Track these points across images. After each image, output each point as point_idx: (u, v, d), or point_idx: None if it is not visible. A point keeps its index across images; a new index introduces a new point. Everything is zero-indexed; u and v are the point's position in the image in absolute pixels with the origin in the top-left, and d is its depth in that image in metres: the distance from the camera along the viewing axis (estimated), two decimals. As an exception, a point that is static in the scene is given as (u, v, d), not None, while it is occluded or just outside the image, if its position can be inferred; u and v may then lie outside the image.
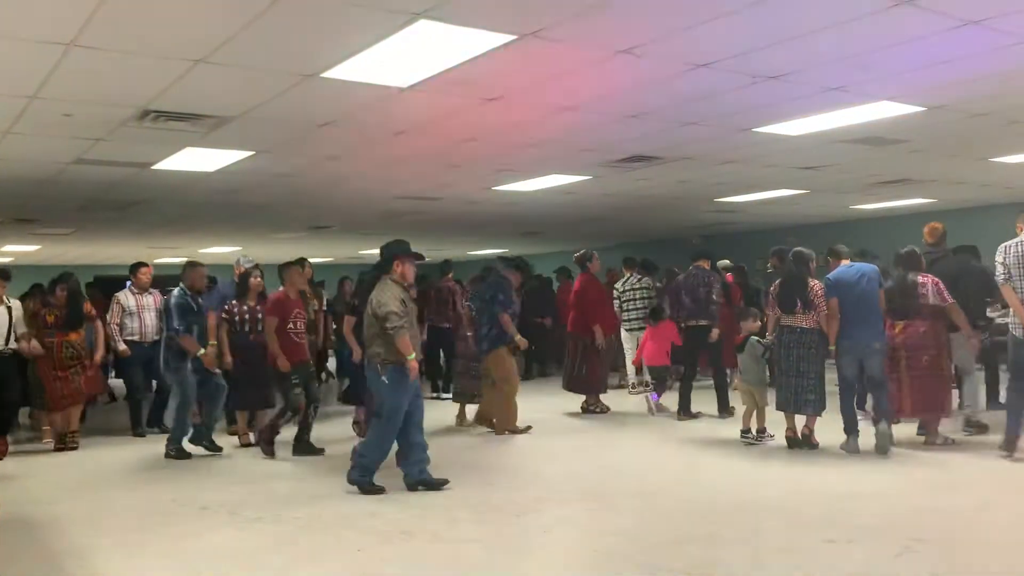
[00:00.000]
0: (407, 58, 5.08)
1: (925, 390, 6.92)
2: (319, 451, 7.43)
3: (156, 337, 8.67)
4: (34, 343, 7.76)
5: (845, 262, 7.23)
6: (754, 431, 7.48)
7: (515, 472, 6.59)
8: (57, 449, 7.96)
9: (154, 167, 8.27)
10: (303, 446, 7.42)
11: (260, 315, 7.78)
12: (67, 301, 8.13)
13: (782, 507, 5.36)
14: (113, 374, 11.68)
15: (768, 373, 7.70)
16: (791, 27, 4.79)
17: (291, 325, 7.35)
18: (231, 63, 5.04)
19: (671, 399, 9.33)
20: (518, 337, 8.39)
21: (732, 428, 8.20)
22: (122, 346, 8.79)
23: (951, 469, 6.29)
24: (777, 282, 7.30)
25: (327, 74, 5.32)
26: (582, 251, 9.70)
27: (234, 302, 7.94)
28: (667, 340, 9.50)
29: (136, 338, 8.83)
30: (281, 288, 7.54)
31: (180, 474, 6.94)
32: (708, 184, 10.80)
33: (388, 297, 5.84)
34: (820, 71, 5.70)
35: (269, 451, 7.30)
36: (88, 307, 8.42)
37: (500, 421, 8.30)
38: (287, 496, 5.99)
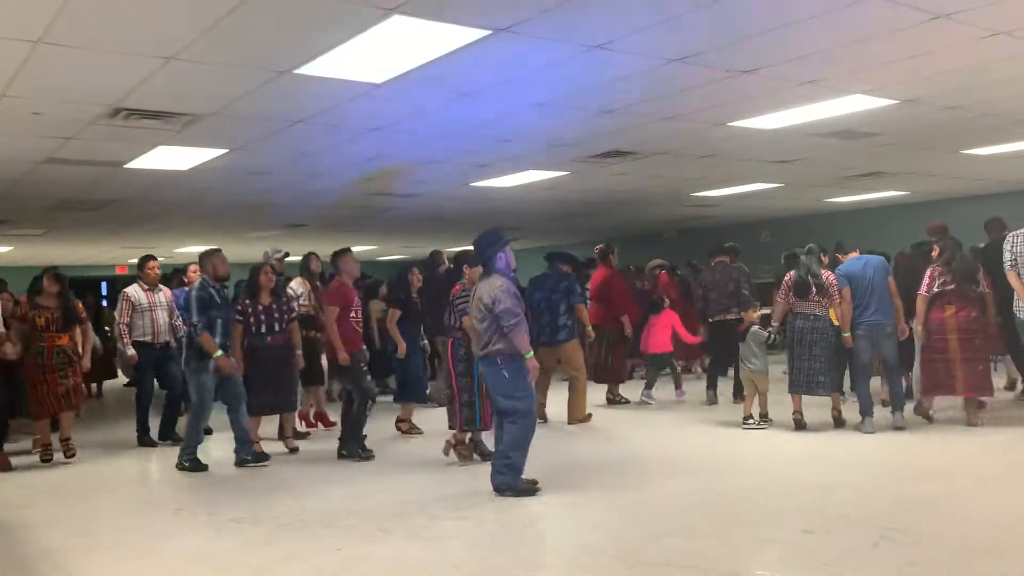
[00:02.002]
0: (381, 54, 5.06)
1: (976, 372, 7.30)
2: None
3: (167, 338, 8.11)
4: (8, 346, 7.08)
5: (853, 255, 7.71)
6: (756, 416, 7.74)
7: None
8: (44, 460, 7.26)
9: (127, 166, 8.19)
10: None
11: (277, 314, 7.36)
12: (58, 300, 7.34)
13: (761, 498, 5.40)
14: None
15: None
16: (764, 21, 4.82)
17: (352, 314, 7.10)
18: (202, 60, 5.00)
19: (667, 390, 9.74)
20: (589, 327, 8.67)
21: (716, 419, 8.27)
22: (131, 351, 7.90)
23: (927, 459, 6.36)
24: (791, 273, 7.62)
25: (300, 70, 5.29)
26: (603, 244, 9.86)
27: (246, 300, 7.35)
28: (669, 329, 9.70)
29: (148, 339, 8.00)
30: (337, 277, 7.28)
31: (157, 476, 6.89)
32: (684, 178, 10.85)
33: (502, 292, 5.58)
34: (793, 65, 5.73)
35: (367, 454, 6.94)
36: (81, 308, 7.64)
37: (573, 411, 8.43)
38: (266, 496, 5.95)
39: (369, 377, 7.33)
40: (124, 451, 7.90)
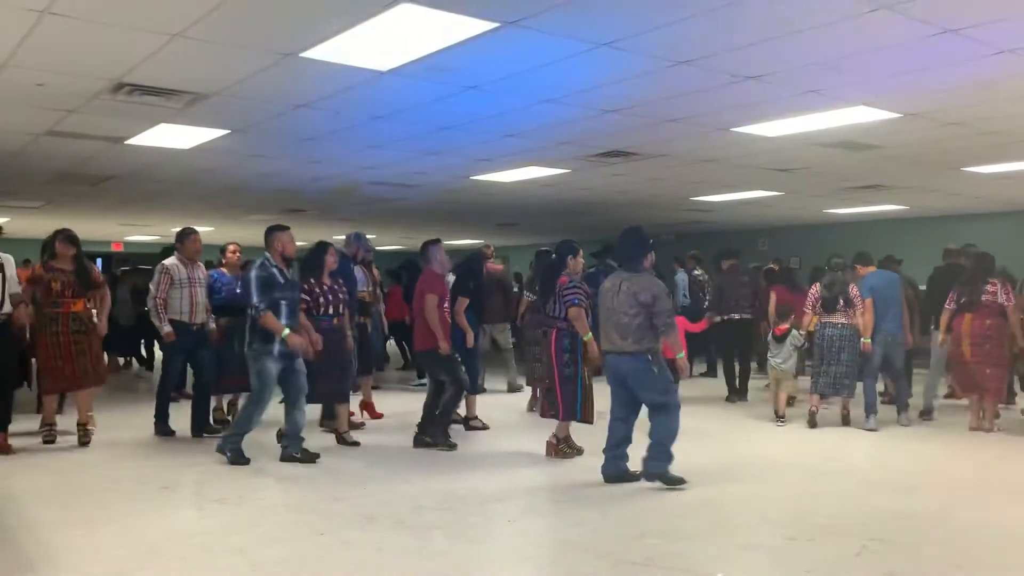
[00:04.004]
0: (388, 42, 5.05)
1: (984, 376, 7.91)
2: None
3: (204, 319, 7.54)
4: (22, 308, 6.67)
5: (871, 268, 8.53)
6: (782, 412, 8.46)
7: (485, 461, 6.59)
8: (46, 441, 6.93)
9: (128, 142, 8.16)
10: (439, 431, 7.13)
11: (341, 295, 7.07)
12: (73, 263, 6.91)
13: (747, 504, 5.40)
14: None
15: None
16: (771, 28, 4.81)
17: (445, 304, 7.11)
18: (209, 38, 4.98)
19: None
20: None
21: (710, 421, 8.29)
22: (167, 327, 7.25)
23: (912, 472, 6.38)
24: (818, 285, 8.32)
25: (306, 54, 5.27)
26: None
27: (311, 280, 6.96)
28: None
29: (184, 318, 7.36)
30: (428, 267, 7.19)
31: (144, 453, 6.86)
32: (685, 182, 10.85)
33: (662, 291, 5.77)
34: (798, 73, 5.73)
35: (450, 443, 6.92)
36: (97, 273, 7.17)
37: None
38: (252, 478, 5.95)
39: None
40: (113, 428, 7.86)
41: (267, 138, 8.06)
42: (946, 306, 8.18)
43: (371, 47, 5.15)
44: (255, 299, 6.21)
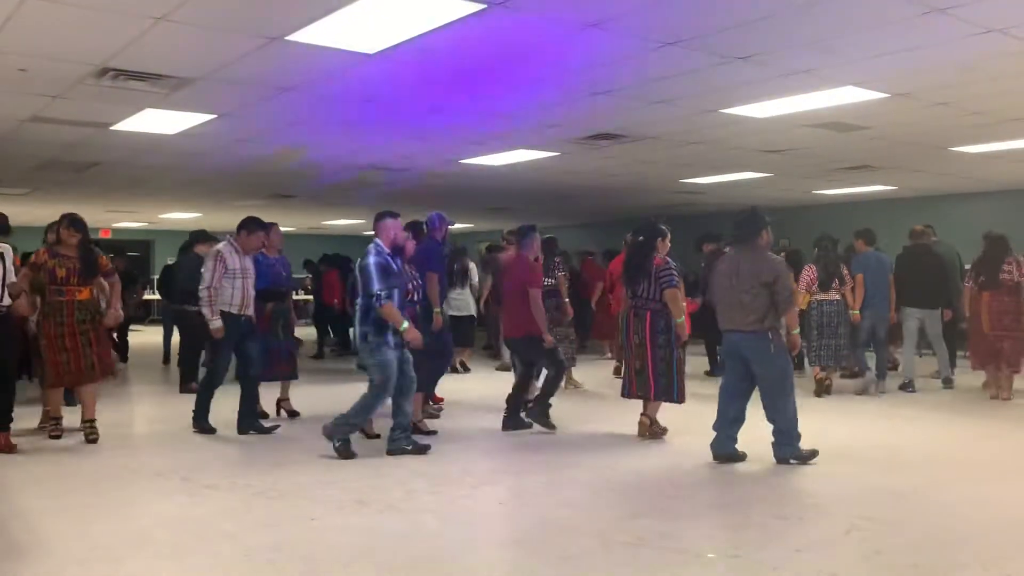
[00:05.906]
0: (375, 24, 5.02)
1: (1000, 347, 8.56)
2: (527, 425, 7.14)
3: (250, 312, 7.01)
4: (22, 299, 6.33)
5: (868, 248, 9.19)
6: None
7: (476, 443, 6.60)
8: (52, 437, 6.63)
9: (113, 128, 8.11)
10: (542, 414, 7.12)
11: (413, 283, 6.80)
12: (79, 247, 6.53)
13: (738, 483, 5.44)
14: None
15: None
16: (759, 8, 4.80)
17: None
18: (194, 22, 4.94)
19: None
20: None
21: (697, 402, 8.31)
22: (218, 322, 6.75)
23: (900, 450, 6.42)
24: (812, 265, 8.96)
25: (292, 37, 5.24)
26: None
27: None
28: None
29: (234, 309, 6.84)
30: (523, 254, 7.19)
31: (135, 440, 6.85)
32: (674, 164, 10.85)
33: (784, 271, 5.90)
34: (787, 54, 5.72)
35: (550, 423, 7.04)
36: (104, 259, 6.79)
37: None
38: (243, 463, 5.95)
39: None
40: (105, 413, 7.80)
41: (253, 123, 8.01)
42: (966, 284, 8.94)
43: (357, 30, 5.12)
44: (375, 287, 5.94)
